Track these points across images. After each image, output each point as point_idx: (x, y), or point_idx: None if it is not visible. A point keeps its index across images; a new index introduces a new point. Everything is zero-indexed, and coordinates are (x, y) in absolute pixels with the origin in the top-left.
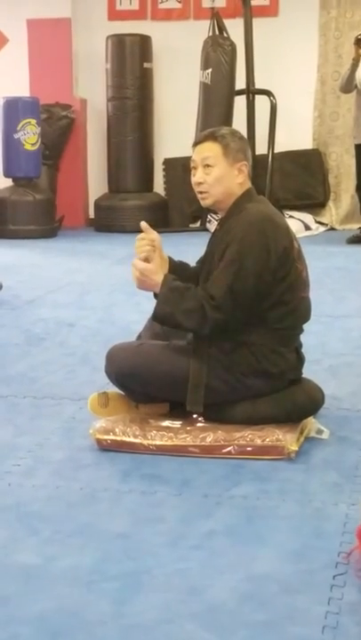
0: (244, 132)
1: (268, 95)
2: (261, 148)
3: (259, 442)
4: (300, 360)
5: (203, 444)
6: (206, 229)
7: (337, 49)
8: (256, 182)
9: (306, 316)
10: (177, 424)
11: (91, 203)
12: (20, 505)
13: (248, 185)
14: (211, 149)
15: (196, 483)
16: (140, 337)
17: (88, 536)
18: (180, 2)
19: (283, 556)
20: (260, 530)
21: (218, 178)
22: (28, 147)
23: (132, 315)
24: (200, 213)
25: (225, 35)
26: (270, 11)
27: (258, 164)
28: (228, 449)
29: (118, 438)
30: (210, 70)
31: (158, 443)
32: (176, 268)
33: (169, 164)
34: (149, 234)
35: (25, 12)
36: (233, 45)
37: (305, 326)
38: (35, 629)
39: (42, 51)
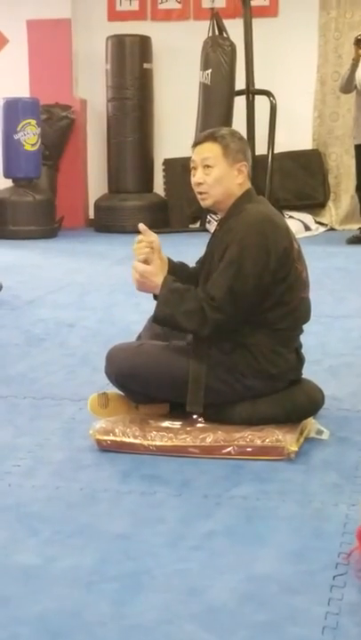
0: (243, 132)
1: (267, 95)
2: (261, 148)
3: (259, 442)
4: (299, 360)
5: (203, 444)
6: (206, 230)
7: (337, 49)
8: (256, 182)
9: (306, 317)
10: (177, 425)
11: (91, 203)
12: (20, 505)
13: (248, 185)
14: (211, 150)
15: (195, 483)
16: (139, 337)
17: (88, 537)
18: (179, 2)
19: (283, 557)
20: (260, 530)
21: (218, 178)
22: (28, 147)
23: (132, 315)
24: (200, 214)
25: (225, 35)
26: (270, 11)
27: (258, 165)
28: (228, 449)
29: (118, 439)
30: (210, 71)
31: (158, 443)
32: (175, 269)
33: (169, 164)
34: (148, 236)
35: (25, 13)
36: (233, 46)
37: (305, 327)
38: (35, 630)
39: (42, 51)
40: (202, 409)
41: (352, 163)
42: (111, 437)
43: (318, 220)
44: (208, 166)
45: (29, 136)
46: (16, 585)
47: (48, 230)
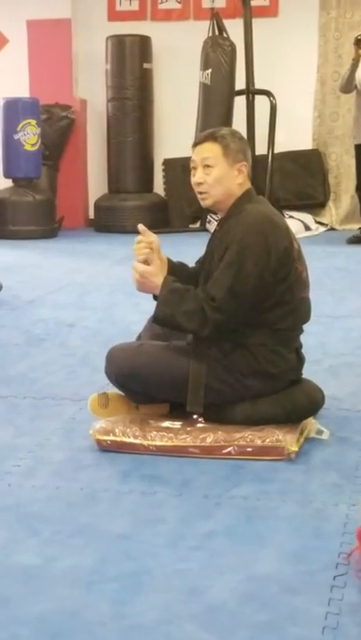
0: (243, 132)
1: (267, 95)
2: (261, 148)
3: (259, 442)
4: (300, 360)
5: (203, 444)
6: (206, 230)
7: (337, 49)
8: (256, 182)
9: (306, 317)
10: (177, 425)
11: (91, 203)
12: (20, 505)
13: (248, 185)
14: (211, 150)
15: (196, 483)
16: (140, 337)
17: (88, 537)
18: (179, 2)
19: (283, 557)
20: (261, 530)
21: (218, 178)
22: (28, 147)
23: (132, 315)
24: (200, 214)
25: (225, 35)
26: (270, 11)
27: (258, 165)
28: (228, 449)
29: (118, 439)
30: (210, 71)
31: (158, 443)
32: (175, 269)
33: (169, 164)
34: (147, 236)
35: (25, 13)
36: (233, 46)
37: (305, 327)
38: (35, 630)
39: (42, 51)
40: (202, 409)
41: (352, 162)
42: (111, 437)
43: (318, 219)
44: (208, 166)
45: (29, 136)
46: (16, 585)
47: (48, 230)
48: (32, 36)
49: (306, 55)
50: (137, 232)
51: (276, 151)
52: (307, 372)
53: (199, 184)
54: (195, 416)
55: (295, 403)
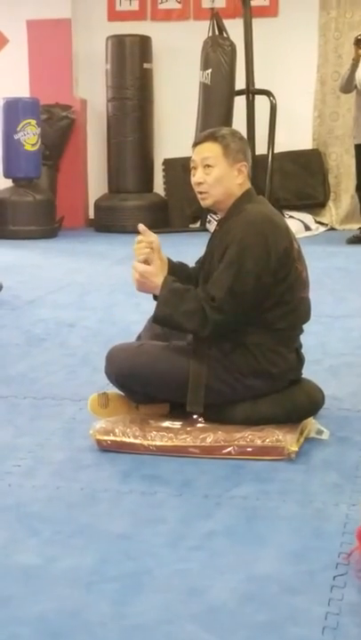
0: (243, 132)
1: (267, 95)
2: (261, 148)
3: (259, 442)
4: (300, 360)
5: (203, 444)
6: (206, 230)
7: (337, 49)
8: (256, 182)
9: (306, 317)
10: (177, 425)
11: (91, 203)
12: (21, 505)
13: (248, 185)
14: (211, 150)
15: (196, 483)
16: (140, 337)
17: (88, 537)
18: (179, 2)
19: (283, 557)
20: (261, 530)
21: (218, 178)
22: (28, 147)
23: (133, 315)
24: (200, 214)
25: (225, 35)
26: (270, 11)
27: (258, 164)
28: (229, 449)
29: (118, 439)
30: (210, 71)
31: (158, 443)
32: (175, 269)
33: (169, 164)
34: (148, 236)
35: (25, 13)
36: (233, 46)
37: (305, 326)
38: (35, 630)
39: (42, 51)
40: (202, 409)
41: (352, 162)
42: (111, 437)
43: (318, 219)
44: (208, 166)
45: (29, 136)
46: (16, 585)
47: (48, 230)
48: (32, 35)
49: (306, 55)
50: (137, 232)
51: (276, 151)
52: (307, 372)
53: (199, 184)
54: (195, 416)
55: (295, 403)
